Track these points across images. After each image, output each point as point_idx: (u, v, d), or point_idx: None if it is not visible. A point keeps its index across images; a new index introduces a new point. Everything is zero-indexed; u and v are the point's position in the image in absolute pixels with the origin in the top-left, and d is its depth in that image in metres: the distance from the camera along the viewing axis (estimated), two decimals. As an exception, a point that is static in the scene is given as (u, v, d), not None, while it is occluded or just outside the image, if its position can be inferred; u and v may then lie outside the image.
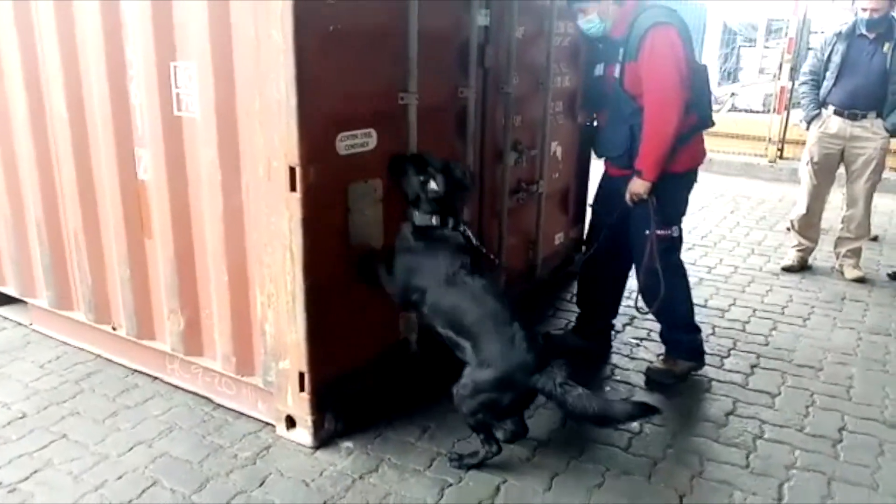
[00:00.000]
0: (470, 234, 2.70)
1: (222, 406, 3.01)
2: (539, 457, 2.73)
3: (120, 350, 3.35)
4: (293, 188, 2.46)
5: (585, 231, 3.62)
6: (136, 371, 3.28)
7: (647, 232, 3.10)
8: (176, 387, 3.15)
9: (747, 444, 2.84)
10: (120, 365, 3.33)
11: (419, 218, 2.63)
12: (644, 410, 2.52)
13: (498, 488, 2.54)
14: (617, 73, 3.07)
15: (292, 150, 2.42)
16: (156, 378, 3.22)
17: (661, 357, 3.40)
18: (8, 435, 2.81)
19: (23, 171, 3.41)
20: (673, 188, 3.10)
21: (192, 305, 2.97)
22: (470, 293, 2.57)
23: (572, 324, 3.84)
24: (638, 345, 3.68)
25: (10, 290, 3.76)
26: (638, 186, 3.05)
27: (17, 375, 3.26)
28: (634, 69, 2.97)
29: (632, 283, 3.52)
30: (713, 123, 3.22)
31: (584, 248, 3.58)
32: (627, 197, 3.11)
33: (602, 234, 3.39)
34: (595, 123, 3.39)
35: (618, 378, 3.36)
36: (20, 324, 3.76)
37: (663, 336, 3.39)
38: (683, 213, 3.26)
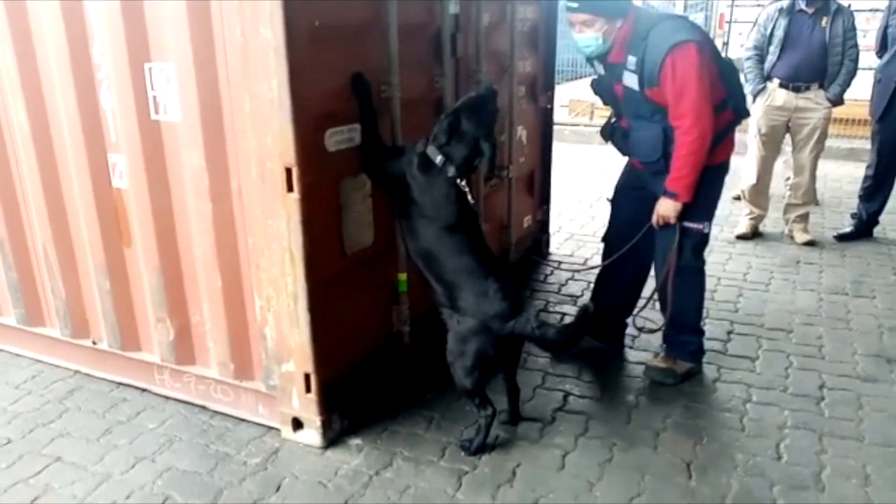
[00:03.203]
0: (467, 189, 2.68)
1: (220, 413, 2.94)
2: (547, 437, 2.79)
3: (102, 364, 3.23)
4: (290, 189, 2.42)
5: (606, 227, 3.40)
6: (121, 384, 3.17)
7: (674, 232, 2.97)
8: (167, 397, 3.06)
9: (739, 409, 2.97)
10: (103, 379, 3.21)
11: (430, 148, 2.63)
12: (588, 312, 2.60)
13: (513, 472, 2.58)
14: (625, 87, 2.89)
15: (288, 150, 2.38)
16: (144, 390, 3.11)
17: (660, 356, 3.27)
18: (-4, 463, 2.69)
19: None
20: (710, 181, 2.93)
21: (181, 313, 2.89)
22: (449, 245, 2.65)
23: (549, 304, 3.90)
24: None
25: (-29, 311, 3.57)
26: (669, 209, 2.90)
27: (-8, 399, 3.11)
28: (657, 92, 2.78)
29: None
30: (748, 113, 3.08)
31: (602, 244, 3.42)
32: (654, 220, 2.98)
33: (617, 231, 3.28)
34: (616, 122, 3.16)
35: (651, 394, 3.09)
36: (-17, 345, 3.58)
37: (669, 337, 3.24)
38: (716, 207, 3.09)
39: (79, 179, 2.90)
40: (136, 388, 3.14)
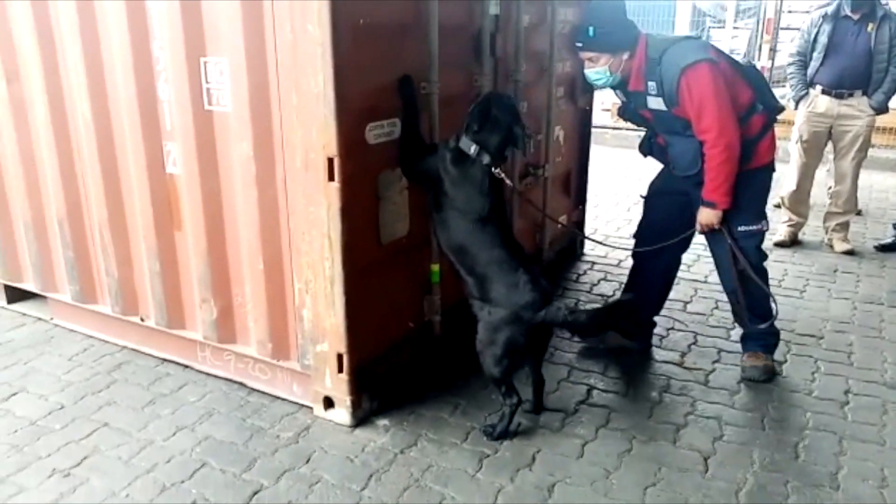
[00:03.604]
0: (504, 175, 2.78)
1: (256, 391, 3.10)
2: (568, 427, 2.88)
3: (148, 340, 3.42)
4: (331, 178, 2.56)
5: (637, 224, 3.51)
6: (165, 360, 3.36)
7: (730, 241, 3.08)
8: (208, 374, 3.24)
9: (761, 409, 3.02)
10: (148, 355, 3.41)
11: (463, 141, 2.73)
12: (625, 302, 2.96)
13: (533, 457, 2.68)
14: (653, 110, 3.04)
15: (331, 141, 2.52)
16: (187, 366, 3.30)
17: (746, 356, 3.30)
18: (51, 425, 2.88)
19: (43, 172, 3.46)
20: (758, 182, 3.08)
21: (224, 294, 3.06)
22: (481, 238, 2.74)
23: (580, 302, 3.97)
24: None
25: (30, 286, 3.80)
26: (710, 217, 3.02)
27: (47, 369, 3.32)
28: (681, 111, 2.93)
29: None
30: (783, 108, 3.18)
31: (633, 241, 3.50)
32: (698, 228, 3.10)
33: (650, 230, 3.37)
34: (652, 138, 3.29)
35: (676, 391, 3.17)
36: (40, 319, 3.81)
37: (746, 335, 3.33)
38: (765, 205, 3.20)
39: (135, 165, 3.09)
40: (179, 364, 3.33)
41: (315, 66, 2.46)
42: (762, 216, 3.14)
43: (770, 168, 3.13)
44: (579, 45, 3.09)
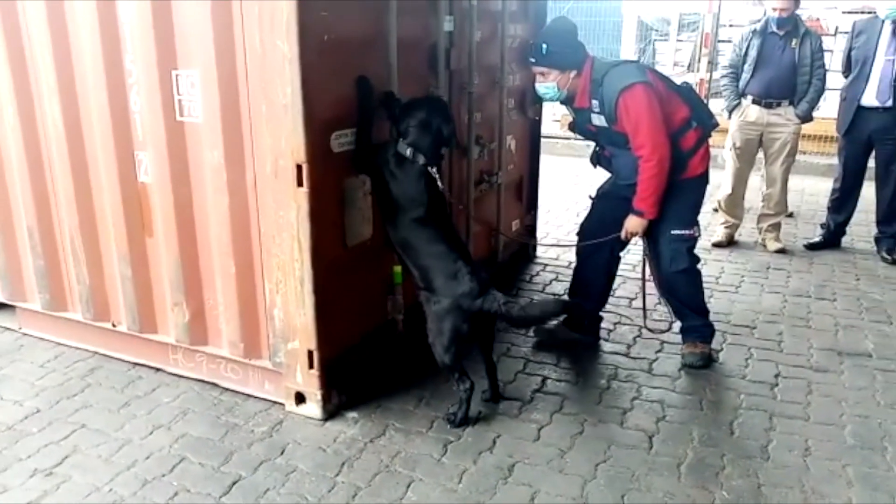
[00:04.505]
0: (437, 177, 2.99)
1: (229, 390, 3.24)
2: (525, 413, 3.10)
3: (119, 345, 3.52)
4: (300, 184, 2.73)
5: (581, 223, 3.79)
6: (137, 364, 3.46)
7: (668, 237, 3.36)
8: (180, 376, 3.35)
9: (700, 392, 3.29)
10: (120, 360, 3.50)
11: (401, 145, 2.94)
12: (567, 305, 3.38)
13: (494, 441, 2.88)
14: (597, 126, 3.31)
15: (299, 149, 2.70)
16: (159, 369, 3.41)
17: (685, 345, 3.57)
18: (28, 428, 2.97)
19: (12, 181, 3.53)
20: (690, 191, 3.36)
21: (196, 297, 3.19)
22: (423, 233, 2.95)
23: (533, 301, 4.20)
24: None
25: (-3, 297, 3.86)
26: (636, 225, 3.30)
27: (20, 375, 3.39)
28: (620, 127, 3.20)
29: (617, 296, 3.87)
30: (717, 124, 3.46)
31: (577, 237, 3.77)
32: (623, 234, 3.37)
33: (594, 228, 3.61)
34: (600, 150, 3.57)
35: (622, 378, 3.41)
36: (8, 328, 3.86)
37: (688, 328, 3.59)
38: (699, 213, 3.48)
39: (107, 174, 3.20)
40: (151, 367, 3.43)
41: (283, 78, 2.64)
42: (694, 223, 3.43)
43: (703, 179, 3.43)
44: (532, 60, 3.35)
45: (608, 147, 3.46)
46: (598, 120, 3.29)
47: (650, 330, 3.74)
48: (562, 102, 3.46)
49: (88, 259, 3.42)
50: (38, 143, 3.38)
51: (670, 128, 3.19)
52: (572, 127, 3.61)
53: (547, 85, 3.32)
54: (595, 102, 3.25)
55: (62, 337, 3.70)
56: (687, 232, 3.40)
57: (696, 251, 3.50)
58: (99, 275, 3.44)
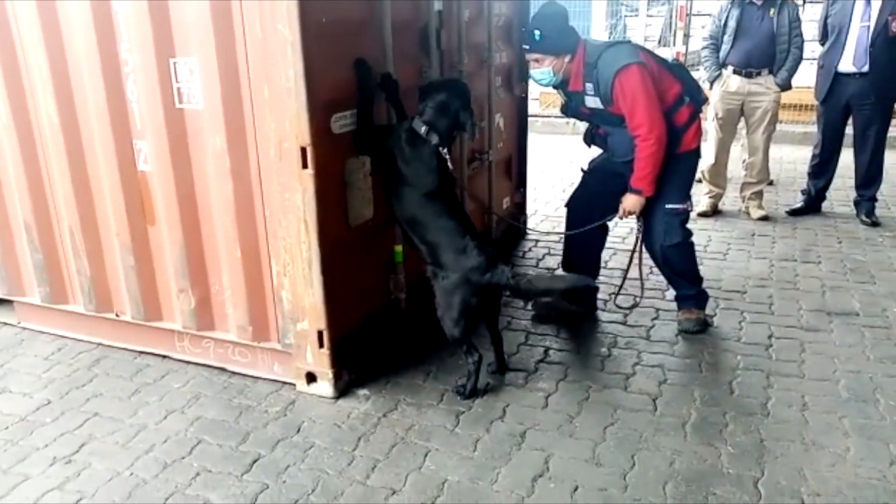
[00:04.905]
0: (448, 157, 3.06)
1: (238, 373, 3.28)
2: (531, 383, 3.18)
3: (123, 335, 3.53)
4: (305, 166, 2.77)
5: (571, 194, 3.85)
6: (142, 353, 3.48)
7: (662, 212, 3.41)
8: (188, 362, 3.38)
9: (698, 355, 3.40)
10: (125, 349, 3.52)
11: (415, 122, 3.01)
12: (579, 280, 3.36)
13: (503, 410, 2.96)
14: (591, 108, 3.36)
15: (303, 132, 2.72)
16: (165, 357, 3.43)
17: (681, 312, 3.66)
18: (42, 419, 2.99)
19: (6, 177, 3.51)
20: (684, 165, 3.43)
21: (202, 283, 3.21)
22: (431, 209, 3.01)
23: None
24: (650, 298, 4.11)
25: (-5, 293, 3.84)
26: (634, 203, 3.35)
27: (25, 369, 3.40)
28: (615, 109, 3.25)
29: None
30: (706, 99, 3.51)
31: (566, 209, 3.85)
32: (621, 213, 3.43)
33: (584, 202, 3.70)
34: (594, 130, 3.61)
35: (622, 345, 3.51)
36: (6, 323, 3.85)
37: (683, 297, 3.68)
38: (691, 187, 3.56)
39: (106, 164, 3.20)
40: (157, 355, 3.46)
41: (286, 61, 2.66)
42: (687, 197, 3.50)
43: (696, 153, 3.52)
44: (526, 47, 3.37)
45: (604, 126, 3.52)
46: (593, 102, 3.34)
47: (618, 307, 3.78)
48: (555, 87, 3.50)
49: (89, 251, 3.42)
50: (32, 137, 3.36)
51: (664, 105, 3.26)
52: (564, 109, 3.65)
53: (542, 71, 3.35)
54: (589, 85, 3.30)
55: (63, 329, 3.70)
56: (681, 206, 3.47)
57: None
58: (100, 266, 3.44)
